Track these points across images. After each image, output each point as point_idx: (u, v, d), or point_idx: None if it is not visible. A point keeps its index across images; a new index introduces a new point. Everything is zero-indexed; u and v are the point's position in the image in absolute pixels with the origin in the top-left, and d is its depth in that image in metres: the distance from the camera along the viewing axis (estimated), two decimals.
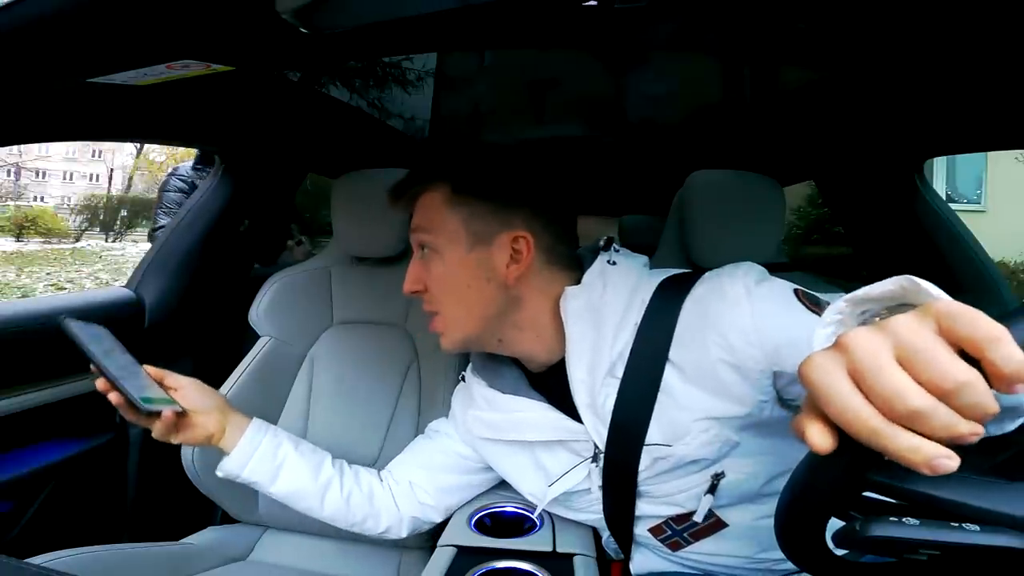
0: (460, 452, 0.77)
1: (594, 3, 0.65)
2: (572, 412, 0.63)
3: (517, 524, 0.75)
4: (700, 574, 0.67)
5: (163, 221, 2.05)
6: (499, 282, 0.61)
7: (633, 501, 0.63)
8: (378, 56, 1.41)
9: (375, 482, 0.77)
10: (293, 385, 1.06)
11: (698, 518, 0.60)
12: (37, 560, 0.72)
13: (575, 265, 0.65)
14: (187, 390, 0.69)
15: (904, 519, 0.32)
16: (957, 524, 0.32)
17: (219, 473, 0.72)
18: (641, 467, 0.59)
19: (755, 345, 0.52)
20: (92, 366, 0.61)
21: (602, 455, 0.61)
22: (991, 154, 6.26)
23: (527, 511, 0.77)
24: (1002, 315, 0.31)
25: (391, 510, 0.76)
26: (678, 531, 0.64)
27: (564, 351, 0.62)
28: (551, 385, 0.66)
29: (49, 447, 1.01)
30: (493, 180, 0.63)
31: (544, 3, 0.68)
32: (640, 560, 0.70)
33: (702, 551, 0.64)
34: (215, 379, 1.02)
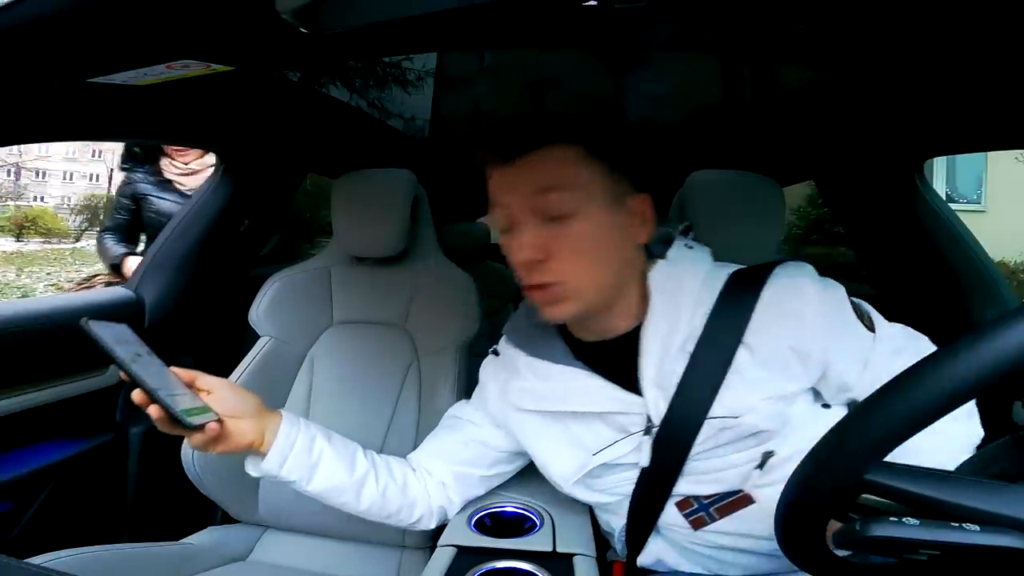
0: (485, 440, 0.75)
1: (594, 3, 0.64)
2: (624, 384, 0.64)
3: (517, 524, 0.75)
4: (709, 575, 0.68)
5: (110, 223, 1.86)
6: (630, 244, 0.63)
7: (675, 478, 0.63)
8: (378, 56, 1.41)
9: (409, 472, 0.76)
10: (293, 385, 1.06)
11: (747, 488, 0.62)
12: (37, 560, 0.72)
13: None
14: (221, 393, 0.64)
15: (904, 519, 0.32)
16: (957, 524, 0.32)
17: (254, 473, 0.68)
18: (697, 441, 0.61)
19: (819, 338, 0.59)
20: (121, 372, 0.57)
21: (654, 428, 0.62)
22: (991, 154, 6.26)
23: (527, 511, 0.77)
24: (1002, 315, 0.31)
25: (424, 500, 0.75)
26: (706, 505, 0.64)
27: (637, 323, 0.64)
28: (600, 357, 0.66)
29: (49, 447, 1.01)
30: (626, 142, 0.63)
31: (544, 3, 0.68)
32: (651, 550, 0.69)
33: (725, 529, 0.64)
34: None
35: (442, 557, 0.67)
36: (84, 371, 1.06)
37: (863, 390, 0.62)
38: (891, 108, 0.98)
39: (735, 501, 0.63)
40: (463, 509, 0.78)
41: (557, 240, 0.59)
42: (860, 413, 0.34)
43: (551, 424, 0.69)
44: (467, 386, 1.01)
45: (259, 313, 1.06)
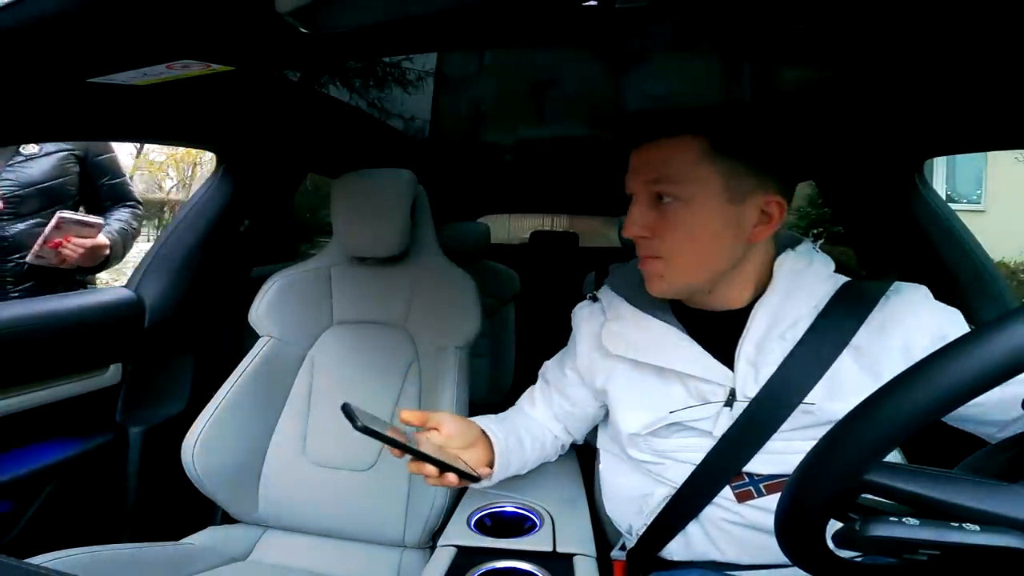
0: (581, 396, 0.80)
1: (594, 3, 0.64)
2: (715, 355, 0.66)
3: (517, 524, 0.75)
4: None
5: None
6: (742, 240, 0.64)
7: (753, 453, 0.64)
8: (378, 56, 1.41)
9: (539, 428, 0.84)
10: (293, 385, 1.06)
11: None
12: (37, 560, 0.72)
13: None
14: (451, 427, 0.69)
15: (904, 519, 0.32)
16: (957, 524, 0.32)
17: (477, 487, 0.76)
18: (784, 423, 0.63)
19: (927, 338, 0.60)
20: (391, 448, 0.61)
21: (736, 402, 0.64)
22: (991, 154, 6.26)
23: (527, 511, 0.77)
24: (1002, 315, 0.31)
25: (555, 444, 0.86)
26: (756, 481, 0.65)
27: (744, 304, 0.67)
28: (701, 325, 0.69)
29: (49, 447, 1.01)
30: (756, 141, 0.64)
31: (544, 3, 0.68)
32: (688, 532, 0.68)
33: (767, 507, 0.64)
34: (215, 379, 1.03)
35: (442, 557, 0.67)
36: (84, 371, 1.06)
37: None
38: (891, 108, 0.98)
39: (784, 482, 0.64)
40: (463, 509, 0.78)
41: (663, 223, 0.64)
42: (860, 413, 0.34)
43: (634, 374, 0.71)
44: (467, 385, 1.01)
45: (259, 313, 1.06)
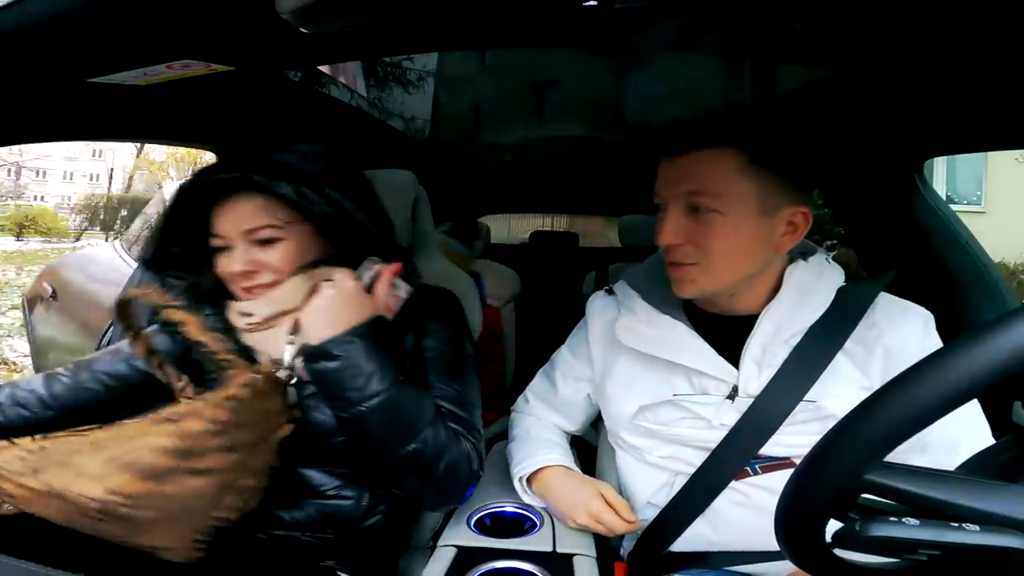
0: (586, 382, 0.83)
1: (594, 3, 0.65)
2: (724, 354, 0.69)
3: (517, 524, 0.75)
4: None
5: None
6: (771, 249, 0.67)
7: (761, 444, 0.66)
8: (378, 56, 1.41)
9: (562, 434, 0.87)
10: None
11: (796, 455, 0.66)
12: None
13: None
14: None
15: (904, 519, 0.32)
16: (957, 524, 0.32)
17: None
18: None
19: (912, 344, 0.65)
20: None
21: (738, 398, 0.67)
22: (991, 154, 6.26)
23: (527, 511, 0.77)
24: (1002, 315, 0.31)
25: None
26: (753, 463, 0.67)
27: (755, 311, 0.69)
28: (711, 327, 0.71)
29: None
30: (791, 155, 0.66)
31: (544, 3, 0.68)
32: (698, 524, 0.70)
33: (762, 485, 0.66)
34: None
35: (442, 557, 0.67)
36: None
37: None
38: (891, 108, 0.98)
39: (782, 463, 0.67)
40: (463, 509, 0.78)
41: (699, 232, 0.65)
42: (860, 413, 0.34)
43: (637, 365, 0.75)
44: None
45: None
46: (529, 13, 0.72)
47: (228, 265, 0.67)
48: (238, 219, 0.66)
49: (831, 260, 0.74)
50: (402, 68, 1.70)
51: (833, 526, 0.36)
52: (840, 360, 0.66)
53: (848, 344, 0.66)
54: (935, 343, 0.67)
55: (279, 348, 0.65)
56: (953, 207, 1.18)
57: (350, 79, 1.41)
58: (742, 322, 0.70)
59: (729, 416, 0.68)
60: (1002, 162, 6.80)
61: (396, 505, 0.74)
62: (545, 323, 1.73)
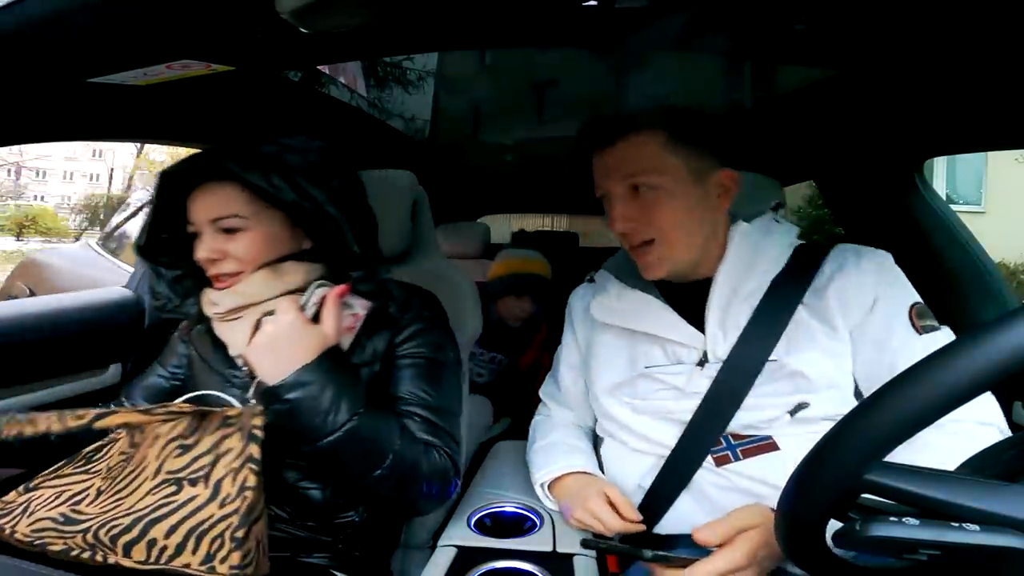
0: (580, 369, 0.86)
1: (594, 3, 0.65)
2: (689, 321, 0.73)
3: (517, 524, 0.76)
4: None
5: None
6: (713, 212, 0.72)
7: (734, 410, 0.68)
8: (378, 56, 1.41)
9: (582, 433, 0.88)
10: None
11: (774, 434, 0.67)
12: None
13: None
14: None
15: (904, 519, 0.32)
16: (957, 524, 0.32)
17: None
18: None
19: (867, 290, 0.67)
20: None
21: (708, 364, 0.70)
22: (991, 154, 6.26)
23: (527, 511, 0.77)
24: (1002, 316, 0.31)
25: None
26: (733, 446, 0.68)
27: (712, 273, 0.72)
28: (677, 295, 0.76)
29: None
30: (707, 128, 0.71)
31: (544, 3, 0.68)
32: (679, 507, 0.70)
33: (744, 472, 0.67)
34: None
35: (442, 557, 0.67)
36: (83, 371, 1.06)
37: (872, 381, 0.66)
38: (891, 108, 0.98)
39: (761, 446, 0.68)
40: (463, 509, 0.78)
41: (645, 211, 0.70)
42: (860, 412, 0.34)
43: (615, 340, 0.79)
44: (467, 385, 1.01)
45: None
46: (529, 13, 0.72)
47: (196, 252, 0.67)
48: (207, 207, 0.66)
49: (781, 219, 0.77)
50: (402, 68, 1.70)
51: (833, 526, 0.36)
52: (801, 315, 0.68)
53: (807, 297, 0.69)
54: (893, 278, 0.68)
55: (242, 342, 0.65)
56: (953, 207, 1.18)
57: (350, 79, 1.41)
58: (702, 287, 0.73)
59: (701, 384, 0.70)
60: (1002, 162, 6.80)
61: (376, 506, 0.73)
62: (545, 323, 1.73)
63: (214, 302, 0.68)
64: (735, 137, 0.72)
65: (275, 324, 0.62)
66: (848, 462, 0.33)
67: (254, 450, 0.57)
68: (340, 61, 1.18)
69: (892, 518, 0.33)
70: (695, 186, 0.69)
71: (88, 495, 0.60)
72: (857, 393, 0.67)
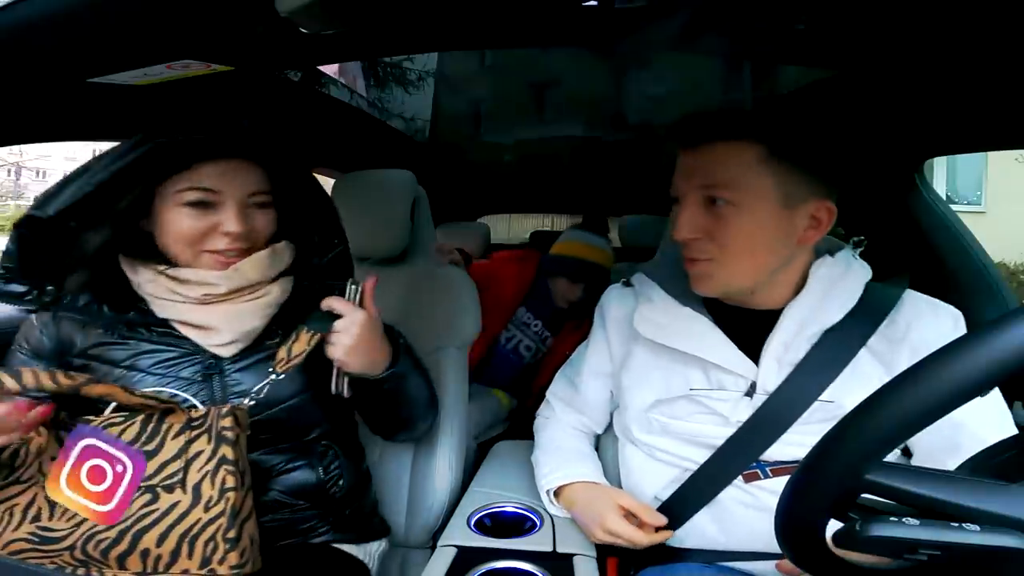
0: (607, 377, 0.82)
1: (594, 3, 0.65)
2: (743, 347, 0.68)
3: (517, 524, 0.75)
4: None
5: None
6: (792, 244, 0.65)
7: (771, 442, 0.65)
8: (378, 56, 1.41)
9: (587, 439, 0.87)
10: None
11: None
12: None
13: None
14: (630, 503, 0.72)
15: (904, 519, 0.32)
16: (957, 524, 0.32)
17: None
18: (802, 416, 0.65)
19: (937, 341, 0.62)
20: None
21: (756, 394, 0.66)
22: (991, 154, 6.26)
23: (527, 511, 0.77)
24: (1002, 316, 0.31)
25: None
26: (763, 465, 0.66)
27: (779, 306, 0.68)
28: (732, 320, 0.70)
29: None
30: (813, 149, 0.64)
31: (544, 3, 0.68)
32: (697, 519, 0.69)
33: (772, 488, 0.66)
34: None
35: (442, 557, 0.67)
36: None
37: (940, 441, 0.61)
38: (891, 108, 0.98)
39: (792, 468, 0.65)
40: (463, 509, 0.78)
41: (716, 227, 0.63)
42: (860, 413, 0.34)
43: (653, 357, 0.74)
44: (466, 385, 1.01)
45: None
46: (529, 13, 0.72)
47: (228, 225, 0.65)
48: (244, 182, 0.68)
49: (857, 256, 0.72)
50: (402, 68, 1.70)
51: (833, 526, 0.36)
52: (863, 358, 0.64)
53: (872, 341, 0.64)
54: (950, 329, 0.65)
55: (226, 323, 0.67)
56: (953, 207, 1.18)
57: (350, 79, 1.41)
58: (763, 317, 0.68)
59: (745, 413, 0.66)
60: (1002, 162, 6.80)
61: (348, 463, 0.77)
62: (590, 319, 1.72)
63: (212, 283, 0.66)
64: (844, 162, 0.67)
65: (357, 325, 0.66)
66: (848, 462, 0.33)
67: (227, 451, 0.58)
68: (340, 61, 1.18)
69: (892, 518, 0.33)
70: (782, 211, 0.62)
71: (39, 507, 0.57)
72: (904, 448, 0.65)
